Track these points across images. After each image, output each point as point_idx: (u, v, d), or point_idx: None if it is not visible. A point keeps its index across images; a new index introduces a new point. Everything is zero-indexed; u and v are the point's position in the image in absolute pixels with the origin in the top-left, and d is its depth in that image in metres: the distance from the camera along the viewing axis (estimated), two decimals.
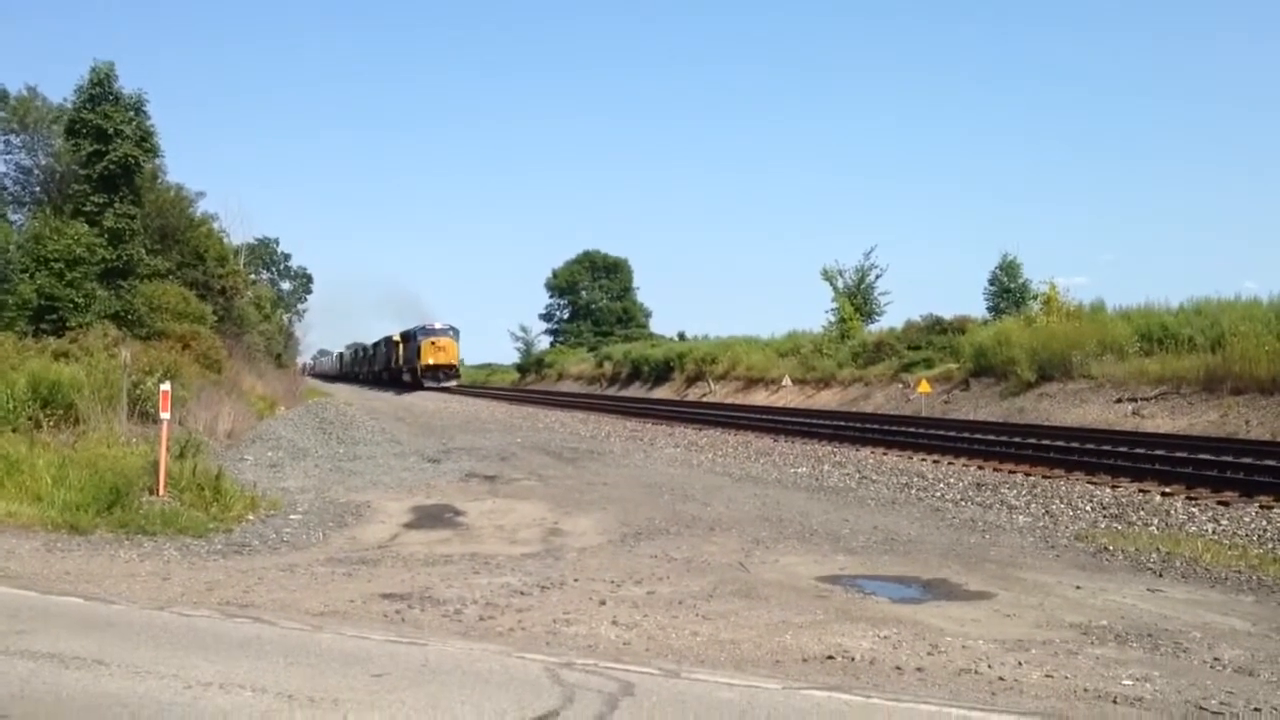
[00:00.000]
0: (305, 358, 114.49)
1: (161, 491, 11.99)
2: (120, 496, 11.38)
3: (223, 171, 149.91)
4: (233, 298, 38.65)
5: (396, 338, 72.75)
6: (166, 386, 13.12)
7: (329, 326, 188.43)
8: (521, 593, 8.09)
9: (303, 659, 6.01)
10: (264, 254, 75.24)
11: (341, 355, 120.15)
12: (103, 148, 26.57)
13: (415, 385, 63.39)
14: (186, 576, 8.80)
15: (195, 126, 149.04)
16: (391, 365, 73.54)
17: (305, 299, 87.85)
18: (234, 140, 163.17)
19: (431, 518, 12.49)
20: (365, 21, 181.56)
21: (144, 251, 28.30)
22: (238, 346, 35.99)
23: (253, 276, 58.07)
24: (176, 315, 28.20)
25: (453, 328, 65.77)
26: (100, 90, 26.91)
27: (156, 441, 12.94)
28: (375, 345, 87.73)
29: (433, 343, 63.22)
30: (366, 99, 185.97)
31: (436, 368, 62.71)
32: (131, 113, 27.42)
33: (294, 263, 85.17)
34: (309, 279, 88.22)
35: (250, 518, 11.95)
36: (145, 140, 27.91)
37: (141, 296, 27.12)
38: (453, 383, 63.14)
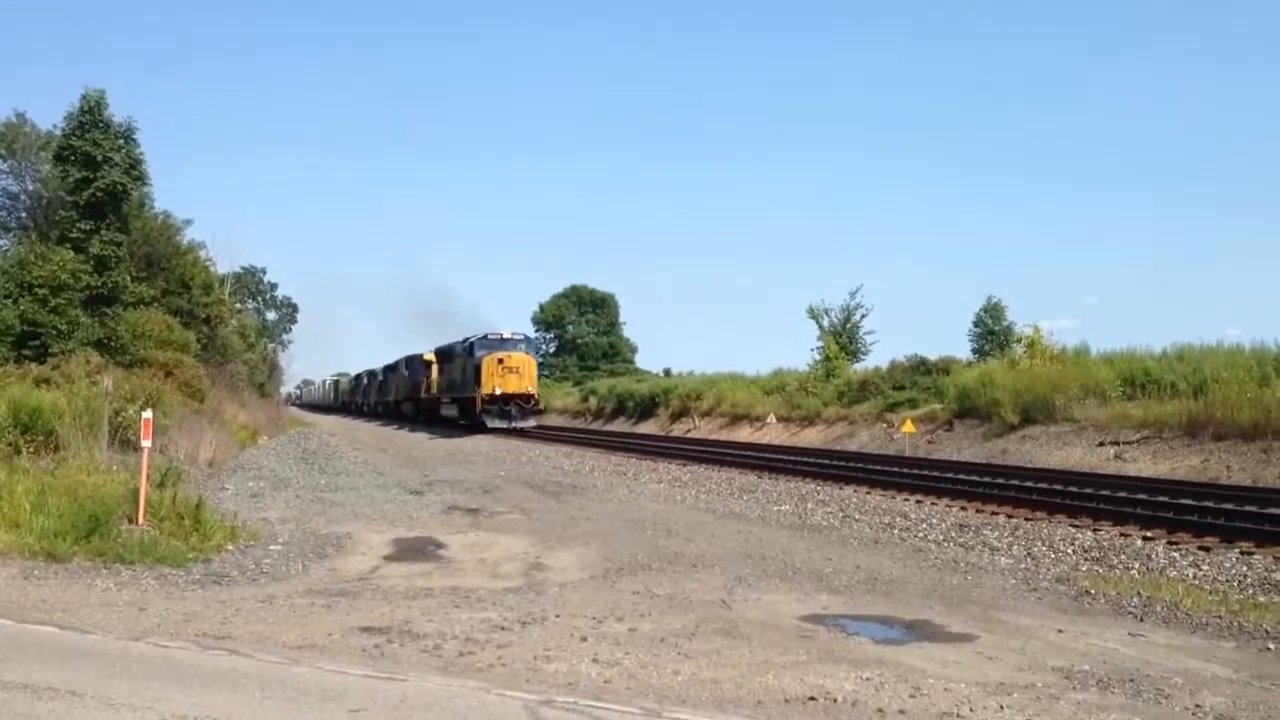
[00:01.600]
0: (290, 387, 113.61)
1: (141, 520, 11.89)
2: (99, 524, 11.29)
3: (211, 199, 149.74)
4: (217, 326, 38.62)
5: (429, 356, 55.41)
6: (148, 414, 13.04)
7: (314, 357, 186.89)
8: (502, 628, 8.03)
9: (279, 693, 5.95)
10: (250, 283, 75.16)
11: (336, 383, 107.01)
12: (91, 174, 26.58)
13: (467, 425, 44.83)
14: (164, 607, 8.72)
15: (184, 154, 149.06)
16: (422, 394, 56.35)
17: (290, 329, 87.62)
18: (222, 168, 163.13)
19: (413, 550, 12.41)
20: (353, 48, 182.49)
21: (129, 279, 28.27)
22: (221, 375, 35.91)
23: (238, 305, 57.95)
24: (160, 343, 28.14)
25: (526, 337, 47.00)
26: (90, 118, 26.96)
27: (137, 470, 12.87)
28: (389, 370, 71.50)
29: (500, 360, 42.55)
30: (356, 126, 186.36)
31: (507, 400, 42.22)
32: (121, 140, 27.47)
33: (280, 292, 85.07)
34: (294, 308, 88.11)
35: (230, 548, 11.86)
36: (134, 168, 27.96)
37: (125, 324, 27.05)
38: (531, 422, 43.47)
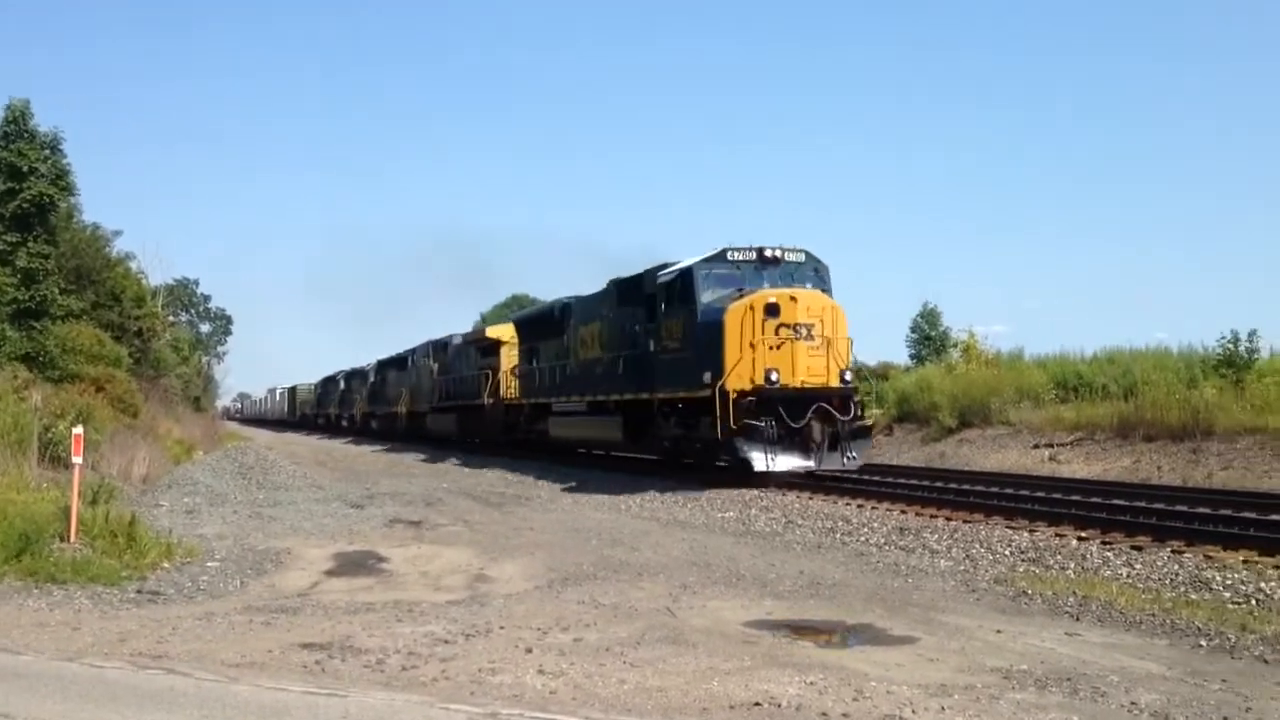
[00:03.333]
0: (226, 401, 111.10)
1: (73, 538, 11.62)
2: (29, 543, 11.02)
3: (142, 209, 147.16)
4: (149, 340, 37.94)
5: (498, 331, 35.37)
6: (79, 430, 12.78)
7: (250, 370, 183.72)
8: (446, 641, 7.98)
9: (218, 712, 5.86)
10: (183, 295, 73.98)
11: (292, 392, 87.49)
12: (16, 186, 25.95)
13: (691, 464, 22.49)
14: (98, 626, 8.53)
15: (113, 164, 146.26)
16: (484, 399, 34.26)
17: (225, 341, 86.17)
18: (151, 178, 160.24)
19: (354, 564, 12.27)
20: (287, 57, 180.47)
21: (58, 292, 27.60)
22: (154, 390, 35.30)
23: (171, 318, 56.97)
24: (91, 358, 27.54)
25: (810, 256, 21.49)
26: (14, 128, 26.34)
27: (68, 487, 12.58)
28: (390, 366, 50.77)
29: (772, 308, 19.32)
30: (286, 135, 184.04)
31: (802, 401, 19.10)
32: (47, 151, 26.88)
33: (214, 304, 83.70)
34: (229, 320, 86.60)
35: (165, 565, 11.63)
36: (61, 178, 27.34)
37: (54, 338, 26.40)
38: (856, 456, 19.82)
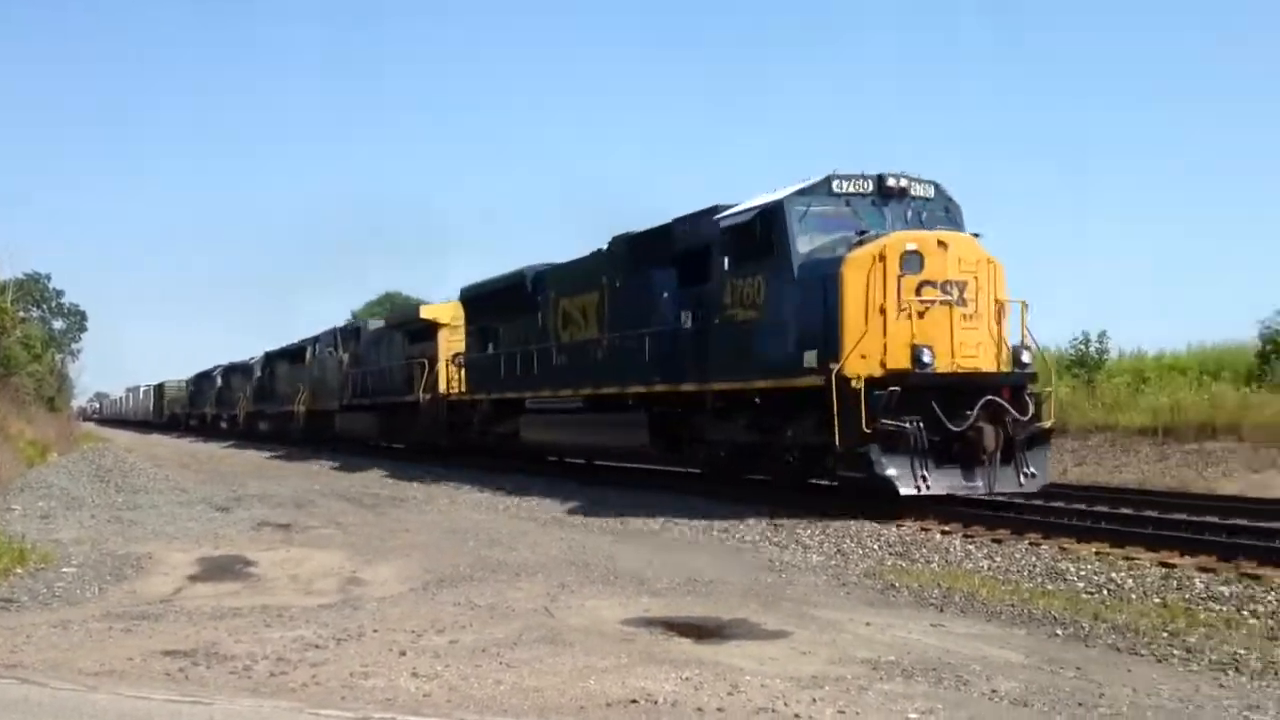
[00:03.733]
0: (83, 400, 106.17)
1: None
2: None
3: None
4: None
5: (437, 310, 29.24)
6: None
7: (107, 368, 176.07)
8: (316, 646, 7.80)
9: None
10: (33, 290, 70.47)
11: (158, 389, 79.05)
12: None
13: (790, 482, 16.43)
14: None
15: None
16: (419, 394, 28.49)
17: (79, 338, 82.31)
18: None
19: (220, 569, 11.90)
20: (162, 34, 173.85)
21: None
22: (4, 389, 33.73)
23: (21, 314, 54.25)
24: None
25: (939, 190, 15.36)
26: None
27: None
28: (282, 357, 45.10)
29: (912, 257, 13.60)
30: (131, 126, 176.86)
31: (965, 393, 13.59)
32: None
33: (67, 299, 79.89)
34: (83, 317, 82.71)
35: (18, 571, 11.11)
36: None
37: None
38: (1036, 474, 14.21)
